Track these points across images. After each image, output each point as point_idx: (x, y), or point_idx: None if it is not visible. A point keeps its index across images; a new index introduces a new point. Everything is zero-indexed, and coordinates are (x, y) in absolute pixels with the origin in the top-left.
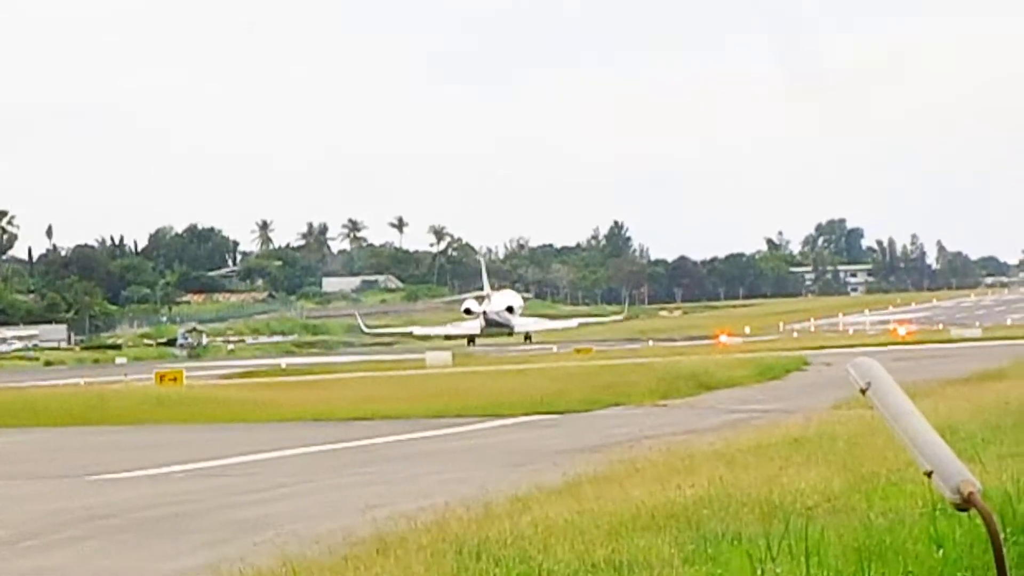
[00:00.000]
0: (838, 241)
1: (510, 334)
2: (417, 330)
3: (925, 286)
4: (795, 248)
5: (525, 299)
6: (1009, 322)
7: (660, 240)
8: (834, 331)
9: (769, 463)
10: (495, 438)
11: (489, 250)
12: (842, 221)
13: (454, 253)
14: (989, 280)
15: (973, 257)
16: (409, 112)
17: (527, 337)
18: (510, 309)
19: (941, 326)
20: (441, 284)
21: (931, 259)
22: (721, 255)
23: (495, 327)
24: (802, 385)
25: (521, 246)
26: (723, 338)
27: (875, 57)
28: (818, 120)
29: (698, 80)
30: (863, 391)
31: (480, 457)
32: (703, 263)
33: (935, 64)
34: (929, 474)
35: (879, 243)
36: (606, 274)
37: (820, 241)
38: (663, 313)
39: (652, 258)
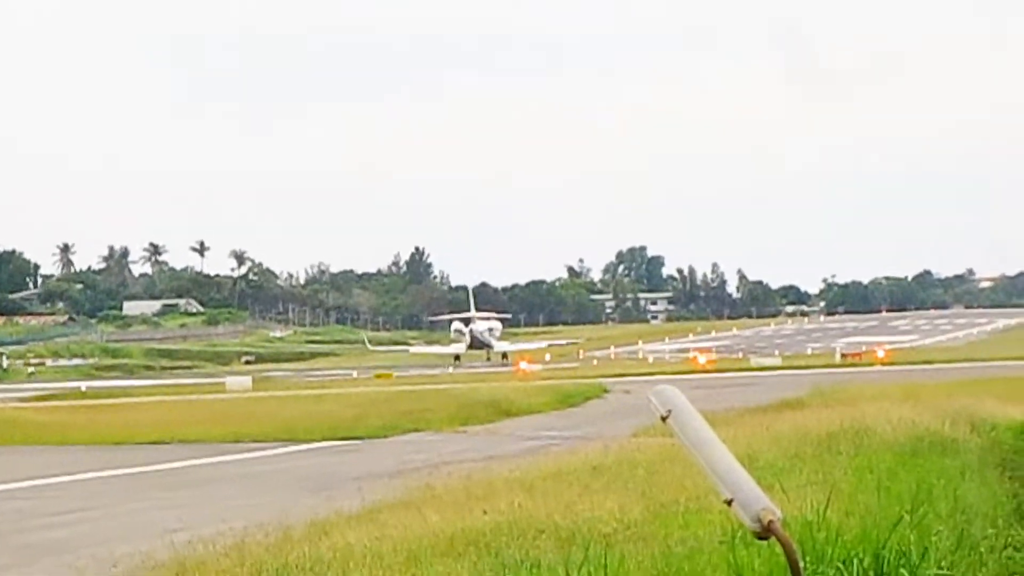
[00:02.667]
0: (639, 269)
1: (488, 356)
2: (413, 349)
3: (726, 315)
4: (596, 276)
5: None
6: (809, 351)
7: (461, 266)
8: (634, 359)
9: (568, 490)
10: (293, 463)
11: (290, 275)
12: (643, 249)
13: (255, 278)
14: (790, 309)
15: (774, 286)
16: (211, 134)
17: (504, 356)
18: (491, 331)
19: (741, 355)
20: (242, 308)
21: (732, 288)
22: (522, 282)
23: (478, 347)
24: (601, 412)
25: (322, 271)
26: (523, 365)
27: (664, 89)
28: (616, 150)
29: (497, 105)
30: (664, 419)
31: (278, 482)
32: (504, 290)
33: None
34: (729, 502)
35: (680, 271)
36: (407, 300)
37: (621, 269)
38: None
39: (453, 284)
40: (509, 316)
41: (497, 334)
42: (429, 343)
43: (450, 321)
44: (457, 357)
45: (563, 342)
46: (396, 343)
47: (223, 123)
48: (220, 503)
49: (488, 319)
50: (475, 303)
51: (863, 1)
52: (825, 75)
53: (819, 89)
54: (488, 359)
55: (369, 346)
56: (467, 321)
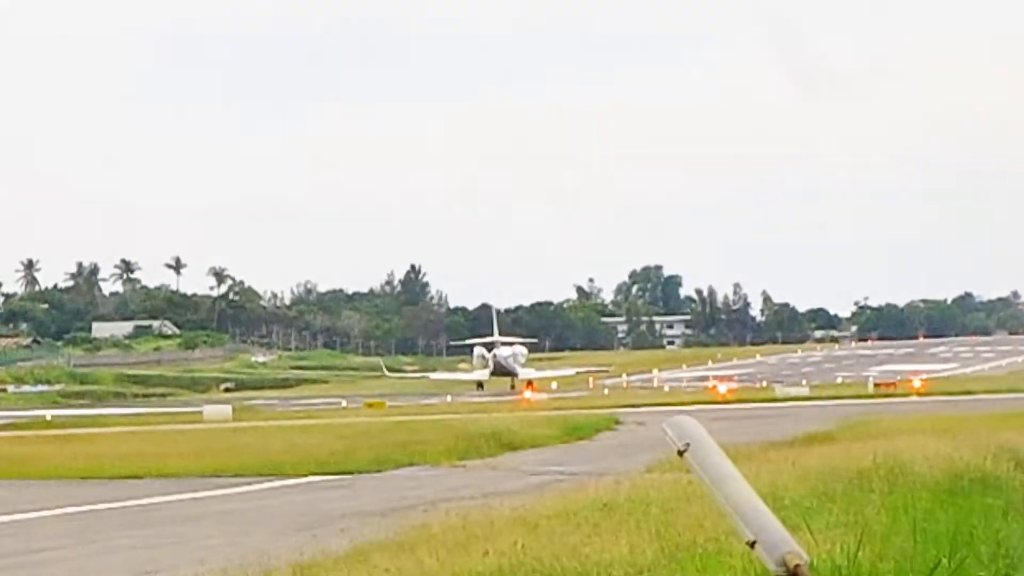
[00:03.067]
0: (654, 290)
1: (513, 384)
2: (433, 375)
3: (749, 340)
4: (607, 297)
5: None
6: (839, 380)
7: (461, 287)
8: (648, 388)
9: (576, 530)
10: (277, 500)
11: (274, 295)
12: (658, 268)
13: (235, 297)
14: (818, 334)
15: (801, 309)
16: (188, 145)
17: (529, 383)
18: (515, 357)
19: (765, 384)
20: (221, 331)
21: (756, 311)
22: (527, 303)
23: (502, 373)
24: (613, 446)
25: (309, 291)
26: (527, 394)
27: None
28: (630, 160)
29: (496, 112)
30: (681, 452)
31: (260, 520)
32: (507, 312)
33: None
34: (752, 544)
35: (699, 292)
36: (401, 323)
37: (634, 289)
38: (463, 367)
39: (451, 306)
40: (535, 341)
41: (522, 360)
42: (424, 370)
43: (468, 347)
44: (480, 384)
45: (595, 368)
46: (392, 370)
47: (201, 126)
48: (197, 543)
49: (512, 344)
50: (494, 326)
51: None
52: (843, 77)
53: (837, 92)
54: (512, 387)
55: (387, 373)
56: (490, 346)
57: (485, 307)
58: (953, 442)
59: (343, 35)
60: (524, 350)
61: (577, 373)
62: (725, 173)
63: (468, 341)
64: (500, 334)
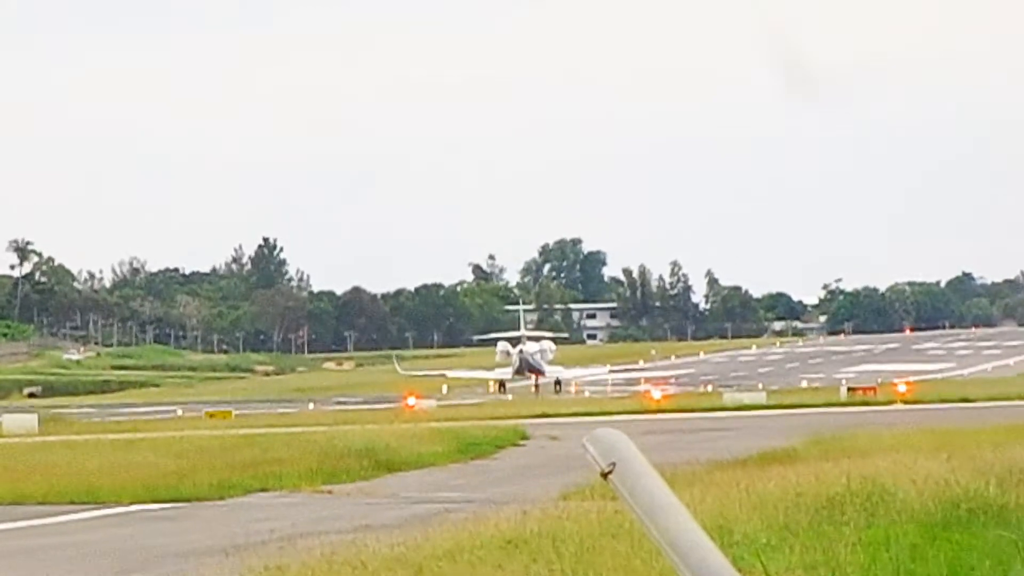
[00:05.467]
0: (571, 270)
1: (536, 385)
2: (450, 373)
3: (690, 333)
4: (512, 278)
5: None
6: (804, 384)
7: (327, 266)
8: (563, 393)
9: (471, 574)
10: (95, 534)
11: (91, 275)
12: (576, 242)
13: (42, 279)
14: (778, 326)
15: (756, 294)
16: None
17: (557, 384)
18: (542, 353)
19: (711, 388)
20: (24, 320)
21: (699, 296)
22: (410, 286)
23: (527, 372)
24: (518, 466)
25: (136, 270)
26: (412, 400)
27: None
28: (536, 115)
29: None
30: (605, 475)
31: (75, 560)
32: (385, 297)
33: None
34: None
35: (627, 273)
36: (252, 311)
37: (546, 269)
38: (329, 365)
39: (315, 289)
40: (566, 336)
41: (550, 356)
42: (280, 372)
43: (490, 342)
44: (502, 384)
45: (630, 366)
46: (235, 369)
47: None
48: None
49: (540, 339)
50: (520, 320)
51: None
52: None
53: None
54: (536, 388)
55: (400, 370)
56: (515, 341)
57: (357, 290)
58: (948, 462)
59: None
60: (552, 346)
61: (611, 371)
62: (658, 124)
63: (491, 335)
64: (527, 329)
